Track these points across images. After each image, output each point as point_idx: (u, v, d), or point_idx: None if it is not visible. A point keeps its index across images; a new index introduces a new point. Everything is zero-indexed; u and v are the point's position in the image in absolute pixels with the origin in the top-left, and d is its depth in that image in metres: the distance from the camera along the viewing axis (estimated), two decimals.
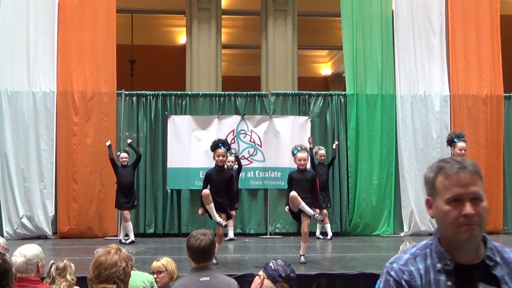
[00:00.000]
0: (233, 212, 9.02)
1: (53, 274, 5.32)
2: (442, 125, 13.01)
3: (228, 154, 8.92)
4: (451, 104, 13.12)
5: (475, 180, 1.96)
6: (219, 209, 8.44)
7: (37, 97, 12.35)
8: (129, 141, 11.72)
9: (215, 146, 8.52)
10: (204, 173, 8.87)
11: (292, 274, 3.41)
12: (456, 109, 13.13)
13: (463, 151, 9.15)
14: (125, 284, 3.26)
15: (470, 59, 13.27)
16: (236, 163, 11.39)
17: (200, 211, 8.73)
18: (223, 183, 8.50)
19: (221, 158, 8.45)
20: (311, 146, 11.88)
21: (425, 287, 1.90)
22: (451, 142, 9.38)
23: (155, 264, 5.22)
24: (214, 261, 8.32)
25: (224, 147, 8.48)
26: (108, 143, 11.61)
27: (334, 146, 12.33)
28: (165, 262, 5.21)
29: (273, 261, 3.48)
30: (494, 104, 13.23)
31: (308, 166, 9.60)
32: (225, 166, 8.88)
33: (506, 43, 13.96)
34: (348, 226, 12.93)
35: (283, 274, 3.38)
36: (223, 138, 10.17)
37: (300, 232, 8.83)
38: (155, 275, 5.19)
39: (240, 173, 11.57)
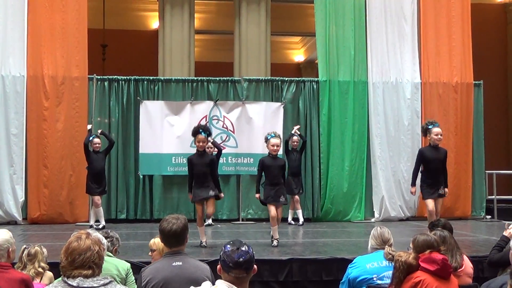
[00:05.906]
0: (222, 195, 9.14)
1: (25, 260, 5.29)
2: (413, 112, 13.13)
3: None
4: (422, 91, 13.25)
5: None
6: (204, 196, 8.65)
7: (7, 81, 12.17)
8: (99, 131, 11.62)
9: (195, 132, 8.72)
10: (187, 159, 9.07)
11: (241, 259, 3.19)
12: (427, 96, 13.26)
13: (439, 136, 9.12)
14: (100, 268, 3.25)
15: (441, 46, 13.39)
16: (216, 149, 11.40)
17: (190, 196, 8.94)
18: (205, 166, 8.68)
19: (201, 143, 8.67)
20: (299, 132, 12.00)
21: None
22: (426, 131, 9.29)
23: (151, 241, 5.24)
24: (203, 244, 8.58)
25: (204, 133, 8.68)
26: (89, 127, 11.56)
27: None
28: (157, 240, 5.09)
29: (223, 250, 3.28)
30: (464, 91, 13.39)
31: (280, 151, 9.72)
32: (206, 151, 9.02)
33: (476, 31, 14.13)
34: (320, 212, 13.01)
35: (231, 264, 3.20)
36: (204, 123, 10.23)
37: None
38: (151, 253, 5.25)
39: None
